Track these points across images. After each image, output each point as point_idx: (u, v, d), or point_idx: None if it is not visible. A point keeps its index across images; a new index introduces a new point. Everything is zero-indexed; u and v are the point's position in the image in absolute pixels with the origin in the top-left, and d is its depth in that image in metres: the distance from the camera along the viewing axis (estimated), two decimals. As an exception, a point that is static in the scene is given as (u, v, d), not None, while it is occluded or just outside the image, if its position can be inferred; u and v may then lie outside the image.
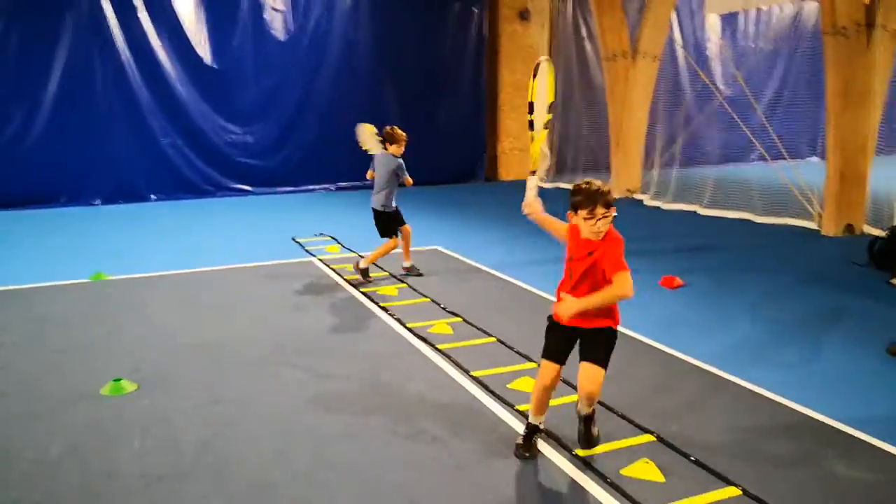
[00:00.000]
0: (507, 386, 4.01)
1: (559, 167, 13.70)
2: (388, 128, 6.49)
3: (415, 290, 6.15)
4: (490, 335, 4.91)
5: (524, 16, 14.16)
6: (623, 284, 2.92)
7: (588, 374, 3.09)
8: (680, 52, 13.81)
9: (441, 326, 5.05)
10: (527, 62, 14.30)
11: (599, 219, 2.94)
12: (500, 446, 3.35)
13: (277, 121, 12.46)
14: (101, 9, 10.89)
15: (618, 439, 3.38)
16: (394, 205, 6.49)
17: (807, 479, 3.08)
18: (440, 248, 7.89)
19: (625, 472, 3.09)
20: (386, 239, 6.49)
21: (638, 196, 11.57)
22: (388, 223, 6.49)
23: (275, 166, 12.53)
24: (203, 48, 11.72)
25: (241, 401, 3.89)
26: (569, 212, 3.07)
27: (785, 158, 9.43)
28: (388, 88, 13.21)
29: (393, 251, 6.53)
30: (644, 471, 3.07)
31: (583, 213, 2.97)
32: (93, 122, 11.07)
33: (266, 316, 5.45)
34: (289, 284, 6.36)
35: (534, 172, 3.48)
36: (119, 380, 4.00)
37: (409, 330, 5.01)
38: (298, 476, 3.11)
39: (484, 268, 6.98)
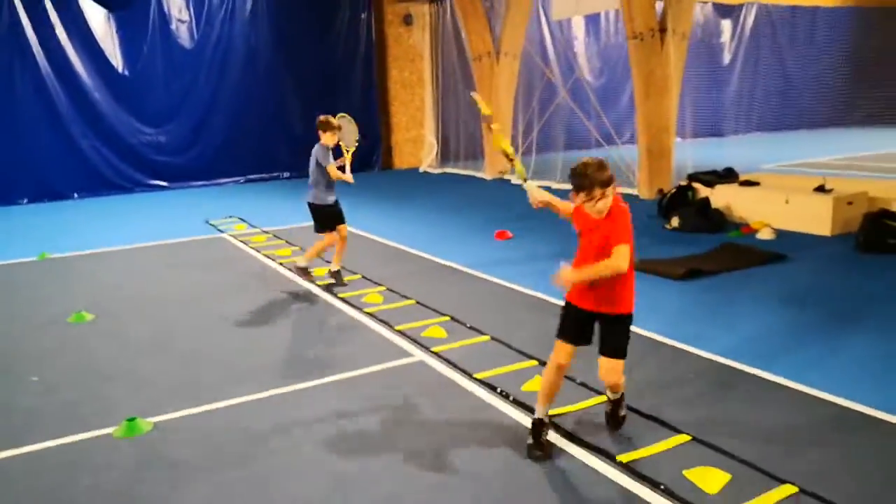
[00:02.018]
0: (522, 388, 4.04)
1: (444, 154, 15.58)
2: (320, 116, 6.28)
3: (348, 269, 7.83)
4: (443, 314, 6.61)
5: (408, 21, 15.93)
6: (618, 257, 2.97)
7: (609, 368, 3.23)
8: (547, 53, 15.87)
9: (374, 296, 6.78)
10: (413, 62, 16.14)
11: (599, 199, 3.01)
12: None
13: (188, 121, 13.80)
14: (20, 24, 11.99)
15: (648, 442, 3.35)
16: (329, 199, 6.22)
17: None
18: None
19: (688, 473, 3.03)
20: (321, 235, 6.33)
21: (507, 176, 13.55)
22: (322, 218, 6.26)
23: (188, 163, 13.87)
24: (115, 58, 12.95)
25: (181, 323, 5.53)
26: (571, 192, 3.13)
27: (615, 142, 11.56)
28: (290, 89, 14.71)
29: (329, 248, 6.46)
30: (706, 476, 2.99)
31: (582, 195, 3.04)
32: (16, 128, 12.17)
33: (190, 274, 7.05)
34: (205, 254, 7.96)
35: (525, 180, 3.69)
36: (81, 312, 5.57)
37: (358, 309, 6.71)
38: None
39: (392, 244, 8.73)
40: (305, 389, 4.17)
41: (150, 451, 3.50)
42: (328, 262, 6.63)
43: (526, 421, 3.58)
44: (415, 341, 4.88)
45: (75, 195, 12.83)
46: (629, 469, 3.11)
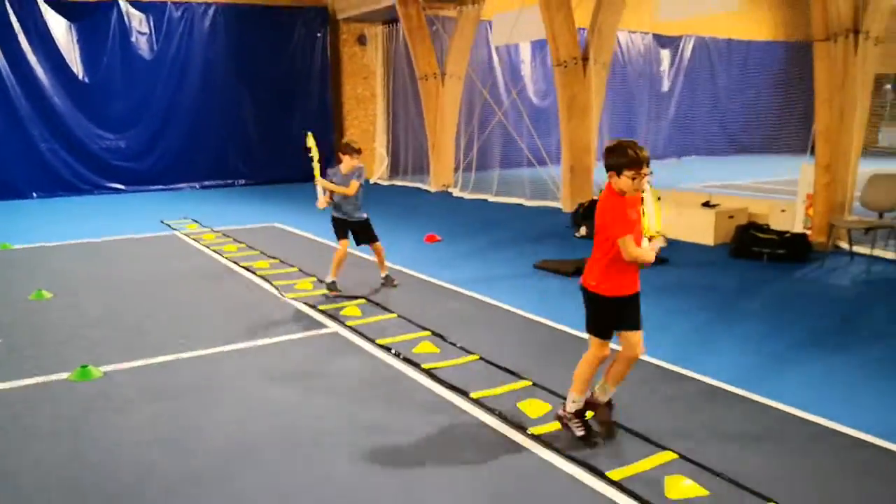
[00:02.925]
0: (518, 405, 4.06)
1: (393, 168, 16.49)
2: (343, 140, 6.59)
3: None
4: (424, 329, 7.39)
5: (362, 41, 16.86)
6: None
7: (639, 340, 3.53)
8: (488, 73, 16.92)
9: (305, 283, 7.57)
10: (366, 79, 17.07)
11: (645, 176, 3.32)
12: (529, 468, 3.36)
13: (147, 128, 14.47)
14: (-17, 32, 12.63)
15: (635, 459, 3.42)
16: (356, 215, 6.54)
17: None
18: (277, 224, 10.38)
19: (669, 494, 3.11)
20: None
21: (450, 189, 14.49)
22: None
23: (146, 168, 14.53)
24: (76, 66, 13.61)
25: (131, 301, 6.28)
26: (610, 173, 3.39)
27: (546, 162, 12.60)
28: (247, 101, 15.48)
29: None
30: (684, 490, 3.09)
31: (629, 173, 3.30)
32: (-22, 130, 12.77)
33: (143, 263, 7.79)
34: (158, 248, 8.71)
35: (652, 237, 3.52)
36: (40, 290, 6.29)
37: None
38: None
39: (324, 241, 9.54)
40: (233, 350, 4.98)
41: (100, 390, 4.28)
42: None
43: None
44: (333, 317, 5.72)
45: (34, 195, 13.39)
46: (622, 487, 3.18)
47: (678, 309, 6.01)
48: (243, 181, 15.42)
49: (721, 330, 5.47)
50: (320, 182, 6.43)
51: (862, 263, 7.38)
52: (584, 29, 11.29)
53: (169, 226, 10.25)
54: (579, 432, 3.57)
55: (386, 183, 16.11)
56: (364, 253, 7.60)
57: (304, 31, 16.02)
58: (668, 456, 3.44)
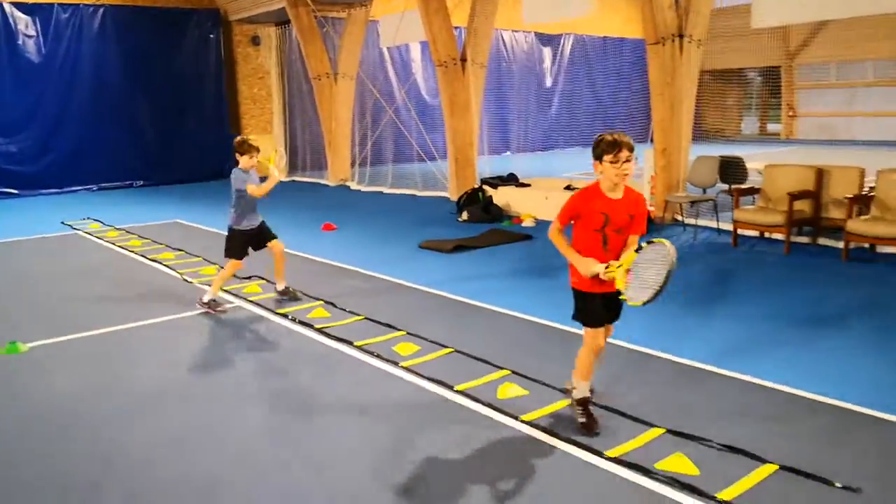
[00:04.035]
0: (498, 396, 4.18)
1: (292, 164, 17.12)
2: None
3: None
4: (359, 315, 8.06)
5: (256, 41, 17.37)
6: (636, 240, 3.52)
7: (609, 332, 3.78)
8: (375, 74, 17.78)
9: (209, 269, 8.20)
10: (262, 79, 17.58)
11: (625, 161, 3.26)
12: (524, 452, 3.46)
13: (39, 131, 14.52)
14: None
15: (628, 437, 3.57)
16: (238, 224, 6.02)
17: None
18: (180, 221, 10.91)
19: (660, 465, 3.24)
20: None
21: (348, 183, 15.28)
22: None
23: (39, 171, 14.57)
24: (-38, 70, 13.56)
25: (49, 294, 6.80)
26: (594, 162, 3.40)
27: (435, 157, 13.62)
28: (142, 102, 15.71)
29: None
30: (678, 464, 3.22)
31: (608, 157, 3.29)
32: None
33: (50, 260, 8.23)
34: (63, 246, 9.13)
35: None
36: (-45, 286, 6.72)
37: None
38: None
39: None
40: (148, 324, 5.68)
41: (27, 361, 4.91)
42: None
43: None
44: (236, 295, 6.48)
45: (-76, 200, 13.26)
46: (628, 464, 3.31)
47: (529, 271, 7.11)
48: (141, 182, 15.67)
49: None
50: (271, 177, 5.99)
51: (692, 232, 8.75)
52: (461, 28, 12.37)
53: (70, 226, 10.59)
54: (581, 419, 3.65)
55: (285, 179, 16.71)
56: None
57: (197, 33, 16.38)
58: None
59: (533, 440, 3.61)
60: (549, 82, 23.58)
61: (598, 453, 3.42)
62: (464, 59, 12.06)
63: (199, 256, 8.22)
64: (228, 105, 17.11)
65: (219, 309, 5.99)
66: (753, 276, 6.79)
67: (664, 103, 8.93)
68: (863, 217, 7.16)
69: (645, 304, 3.20)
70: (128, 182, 15.61)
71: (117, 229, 10.17)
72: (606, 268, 3.38)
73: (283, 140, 17.45)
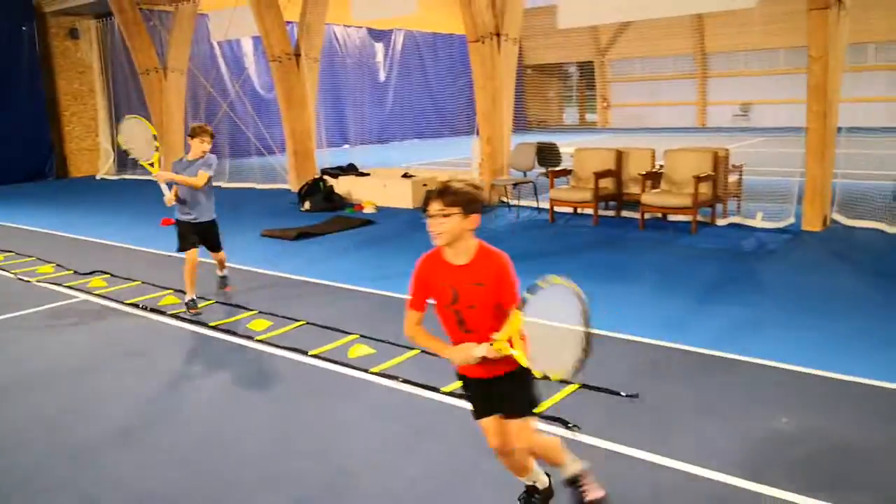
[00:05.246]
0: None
1: (121, 162, 16.48)
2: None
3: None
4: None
5: (74, 34, 16.50)
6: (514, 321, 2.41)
7: (511, 430, 2.66)
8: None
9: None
10: (83, 73, 16.74)
11: (431, 216, 2.45)
12: None
13: None
14: None
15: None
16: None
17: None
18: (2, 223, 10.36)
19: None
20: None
21: (183, 179, 15.02)
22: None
23: None
24: None
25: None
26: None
27: (274, 151, 13.81)
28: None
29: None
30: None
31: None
32: None
33: None
34: None
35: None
36: None
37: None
38: None
39: (83, 238, 9.75)
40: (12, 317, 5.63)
41: None
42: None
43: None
44: (80, 290, 6.49)
45: None
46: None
47: (373, 253, 7.67)
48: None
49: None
50: (160, 175, 5.55)
51: (515, 212, 9.70)
52: (293, 23, 12.63)
53: None
54: (595, 494, 2.85)
55: (115, 177, 16.12)
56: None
57: (6, 25, 15.35)
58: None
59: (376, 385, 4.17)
60: (382, 76, 24.21)
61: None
62: (297, 54, 12.34)
63: (31, 255, 8.00)
64: (46, 102, 16.15)
65: (193, 311, 5.62)
66: (566, 245, 7.78)
67: (486, 96, 9.79)
68: (654, 190, 8.37)
69: (576, 370, 2.36)
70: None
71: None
72: (491, 344, 2.45)
73: (109, 137, 16.73)
